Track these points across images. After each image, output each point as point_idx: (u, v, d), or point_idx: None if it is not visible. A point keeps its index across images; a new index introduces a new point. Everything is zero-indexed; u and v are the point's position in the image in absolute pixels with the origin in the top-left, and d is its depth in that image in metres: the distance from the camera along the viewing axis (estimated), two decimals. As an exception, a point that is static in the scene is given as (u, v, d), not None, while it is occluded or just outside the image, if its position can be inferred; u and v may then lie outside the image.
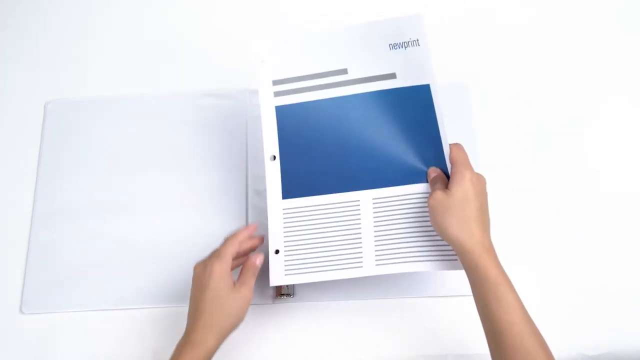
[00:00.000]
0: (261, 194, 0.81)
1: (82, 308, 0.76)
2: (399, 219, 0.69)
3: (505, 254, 0.77)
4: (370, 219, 0.70)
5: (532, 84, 0.88)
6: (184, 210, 0.80)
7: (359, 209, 0.70)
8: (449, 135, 0.67)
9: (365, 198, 0.70)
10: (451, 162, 0.65)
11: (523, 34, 0.91)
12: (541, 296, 0.76)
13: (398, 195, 0.69)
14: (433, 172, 0.68)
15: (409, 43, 0.69)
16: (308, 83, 0.73)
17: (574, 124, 0.85)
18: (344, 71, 0.72)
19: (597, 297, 0.76)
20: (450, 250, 0.66)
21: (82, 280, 0.77)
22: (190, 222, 0.80)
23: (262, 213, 0.80)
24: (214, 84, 0.87)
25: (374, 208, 0.70)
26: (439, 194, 0.63)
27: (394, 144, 0.70)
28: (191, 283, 0.67)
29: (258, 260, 0.69)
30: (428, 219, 0.66)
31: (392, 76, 0.70)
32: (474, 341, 0.74)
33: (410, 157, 0.69)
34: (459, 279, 0.76)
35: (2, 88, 0.89)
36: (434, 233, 0.67)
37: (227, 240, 0.69)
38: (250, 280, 0.67)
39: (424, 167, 0.69)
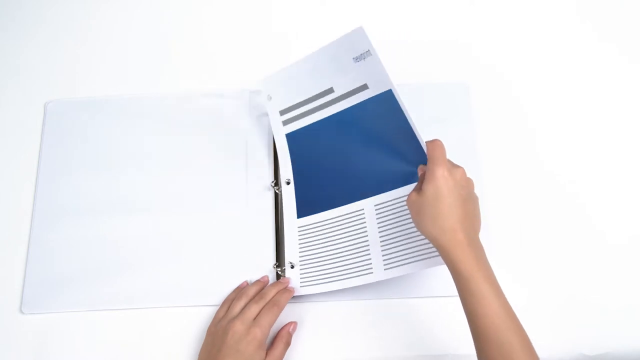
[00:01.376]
0: (261, 194, 0.81)
1: (82, 308, 0.76)
2: (401, 220, 0.72)
3: (505, 253, 0.78)
4: (375, 225, 0.73)
5: (532, 84, 0.88)
6: (184, 210, 0.80)
7: (364, 217, 0.74)
8: (424, 134, 0.68)
9: (369, 206, 0.74)
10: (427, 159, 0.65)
11: (523, 34, 0.91)
12: (541, 296, 0.76)
13: (397, 198, 0.73)
14: (420, 170, 0.69)
15: (364, 54, 0.71)
16: (306, 107, 0.77)
17: (574, 124, 0.85)
18: (330, 90, 0.75)
19: (597, 297, 0.76)
20: None
21: (82, 281, 0.77)
22: (190, 222, 0.80)
23: (263, 213, 0.80)
24: (214, 84, 0.87)
25: (376, 214, 0.74)
26: (413, 195, 0.64)
27: (383, 150, 0.73)
28: (218, 337, 0.69)
29: (292, 328, 0.72)
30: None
31: (365, 87, 0.72)
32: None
33: (400, 160, 0.72)
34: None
35: (2, 88, 0.89)
36: None
37: (271, 309, 0.70)
38: (282, 352, 0.70)
39: (413, 167, 0.70)
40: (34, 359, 0.74)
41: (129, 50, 0.91)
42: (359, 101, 0.73)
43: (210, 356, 0.68)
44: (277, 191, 0.80)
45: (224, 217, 0.80)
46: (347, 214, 0.76)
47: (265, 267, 0.77)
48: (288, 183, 0.80)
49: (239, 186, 0.82)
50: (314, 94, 0.76)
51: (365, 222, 0.74)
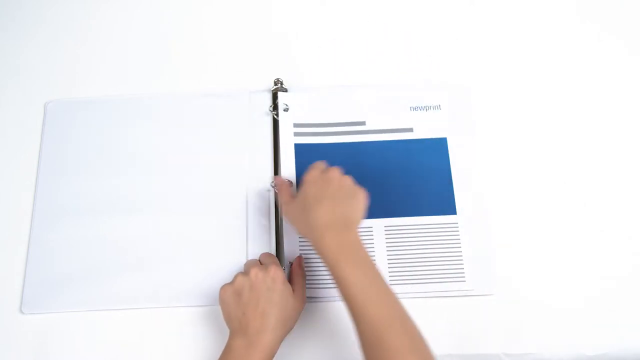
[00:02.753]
0: (261, 194, 0.81)
1: (82, 308, 0.76)
2: (409, 244, 0.77)
3: (505, 253, 0.78)
4: (383, 243, 0.77)
5: (533, 84, 0.87)
6: (184, 210, 0.80)
7: (372, 234, 0.78)
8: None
9: (378, 225, 0.78)
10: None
11: (524, 35, 0.91)
12: (541, 296, 0.76)
13: (408, 225, 0.78)
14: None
15: (431, 107, 0.83)
16: (327, 129, 0.83)
17: (575, 125, 0.85)
18: (362, 123, 0.83)
19: (597, 297, 0.76)
20: (458, 272, 0.76)
21: (82, 280, 0.77)
22: (190, 222, 0.80)
23: (262, 213, 0.80)
24: (214, 84, 0.87)
25: (385, 233, 0.78)
26: (285, 206, 0.72)
27: (407, 183, 0.80)
28: (238, 288, 0.69)
29: (301, 262, 0.76)
30: (435, 245, 0.77)
31: (410, 130, 0.82)
32: (474, 341, 0.74)
33: (423, 196, 0.79)
34: (458, 279, 0.76)
35: (2, 88, 0.89)
36: (441, 257, 0.76)
37: (264, 254, 0.75)
38: (304, 284, 0.73)
39: (432, 204, 0.78)
40: (34, 359, 0.74)
41: (129, 50, 0.91)
42: (395, 139, 0.82)
43: (242, 306, 0.68)
44: (277, 191, 0.80)
45: (224, 217, 0.80)
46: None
47: (265, 267, 0.77)
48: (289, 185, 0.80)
49: (239, 186, 0.82)
50: (340, 121, 0.83)
51: (372, 239, 0.77)
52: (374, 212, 0.77)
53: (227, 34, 0.91)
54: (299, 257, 0.76)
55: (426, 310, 0.76)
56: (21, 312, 0.76)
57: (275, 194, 0.80)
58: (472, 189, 0.80)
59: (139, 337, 0.75)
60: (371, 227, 0.78)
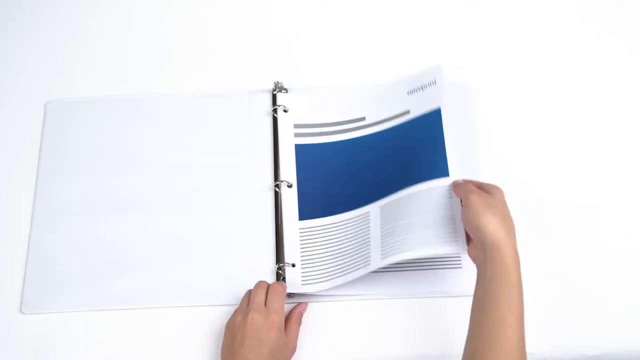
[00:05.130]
0: (261, 194, 0.81)
1: (82, 308, 0.76)
2: (403, 214, 0.73)
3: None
4: (378, 223, 0.75)
5: (533, 84, 0.88)
6: (184, 210, 0.80)
7: (368, 220, 0.76)
8: (455, 148, 0.76)
9: (374, 209, 0.76)
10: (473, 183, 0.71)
11: (524, 34, 0.91)
12: (541, 296, 0.76)
13: (402, 197, 0.75)
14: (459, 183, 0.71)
15: (427, 85, 0.81)
16: (327, 129, 0.83)
17: (575, 125, 0.85)
18: (362, 119, 0.83)
19: (597, 297, 0.76)
20: (450, 235, 0.70)
21: (82, 280, 0.77)
22: (190, 222, 0.80)
23: (263, 213, 0.80)
24: (214, 84, 0.87)
25: (381, 213, 0.75)
26: (479, 193, 0.67)
27: (402, 162, 0.77)
28: (234, 330, 0.68)
29: (303, 309, 0.74)
30: (428, 210, 0.72)
31: (407, 112, 0.80)
32: (474, 341, 0.74)
33: (416, 168, 0.76)
34: (459, 279, 0.76)
35: (2, 88, 0.89)
36: (434, 222, 0.71)
37: (277, 292, 0.71)
38: (297, 332, 0.71)
39: (427, 172, 0.74)
40: (34, 359, 0.74)
41: (129, 50, 0.91)
42: (392, 125, 0.80)
43: (232, 350, 0.67)
44: (277, 190, 0.80)
45: (224, 216, 0.80)
46: (352, 218, 0.77)
47: (265, 267, 0.77)
48: (290, 186, 0.80)
49: (239, 186, 0.81)
50: (340, 120, 0.83)
51: (369, 224, 0.76)
52: (370, 198, 0.77)
53: (227, 34, 0.91)
54: (302, 304, 0.74)
55: (425, 310, 0.76)
56: (21, 312, 0.76)
57: (276, 193, 0.80)
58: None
59: (139, 337, 0.75)
60: (368, 213, 0.77)
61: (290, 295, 0.75)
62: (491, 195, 0.67)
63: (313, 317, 0.75)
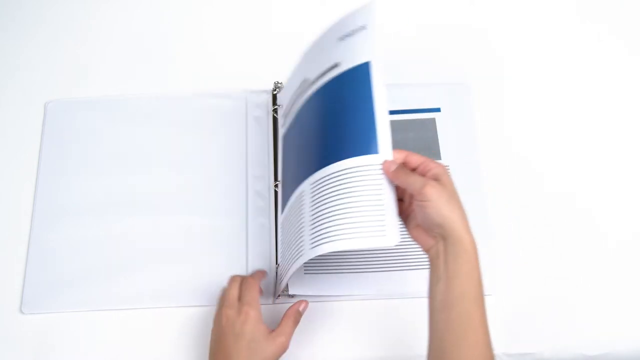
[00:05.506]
0: (261, 194, 0.81)
1: (82, 308, 0.76)
2: (332, 197, 0.64)
3: (505, 253, 0.78)
4: (309, 206, 0.66)
5: (533, 83, 0.88)
6: (184, 210, 0.80)
7: (302, 201, 0.68)
8: (384, 110, 0.64)
9: (306, 187, 0.68)
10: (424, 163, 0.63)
11: (524, 34, 0.91)
12: (541, 296, 0.76)
13: (330, 174, 0.65)
14: (416, 161, 0.64)
15: (356, 30, 0.67)
16: (291, 106, 0.77)
17: (575, 124, 0.85)
18: (306, 80, 0.73)
19: (597, 297, 0.76)
20: (378, 226, 0.62)
21: (82, 280, 0.77)
22: (190, 222, 0.80)
23: (263, 213, 0.80)
24: (214, 84, 0.87)
25: (311, 193, 0.66)
26: (436, 184, 0.60)
27: (332, 129, 0.67)
28: (216, 329, 0.68)
29: (302, 307, 0.70)
30: (354, 194, 0.63)
31: (336, 66, 0.68)
32: (474, 341, 0.74)
33: (344, 138, 0.65)
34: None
35: (2, 88, 0.89)
36: (360, 209, 0.62)
37: (248, 285, 0.68)
38: (291, 329, 0.68)
39: (354, 145, 0.64)
40: (34, 359, 0.74)
41: (129, 50, 0.91)
42: (323, 83, 0.69)
43: (215, 349, 0.67)
44: (277, 190, 0.80)
45: (224, 217, 0.80)
46: (294, 201, 0.70)
47: (265, 267, 0.77)
48: (276, 186, 0.80)
49: (239, 186, 0.81)
50: (295, 89, 0.75)
51: (303, 205, 0.67)
52: (303, 174, 0.68)
53: (227, 34, 0.91)
54: (301, 302, 0.70)
55: (425, 310, 0.76)
56: (21, 312, 0.76)
57: (276, 193, 0.80)
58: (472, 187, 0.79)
59: (139, 337, 0.75)
60: (303, 192, 0.68)
61: (291, 295, 0.75)
62: (443, 183, 0.61)
63: (311, 318, 0.75)
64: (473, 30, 0.91)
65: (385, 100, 0.64)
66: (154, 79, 0.88)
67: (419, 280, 0.76)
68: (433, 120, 0.84)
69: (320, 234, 0.63)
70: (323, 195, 0.65)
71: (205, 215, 0.80)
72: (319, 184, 0.66)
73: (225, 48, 0.90)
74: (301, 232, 0.66)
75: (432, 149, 0.82)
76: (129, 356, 0.74)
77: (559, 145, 0.84)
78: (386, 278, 0.76)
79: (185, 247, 0.79)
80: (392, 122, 0.82)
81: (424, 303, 0.75)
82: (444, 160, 0.82)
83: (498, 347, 0.74)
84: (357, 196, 0.62)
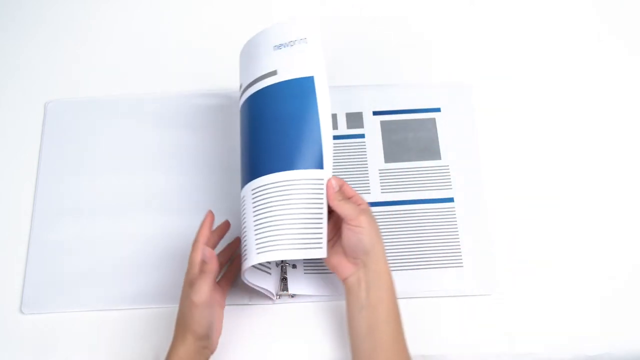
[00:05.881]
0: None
1: (82, 308, 0.76)
2: (275, 206, 0.67)
3: (505, 253, 0.78)
4: (251, 210, 0.68)
5: (534, 83, 0.88)
6: (184, 209, 0.80)
7: (245, 204, 0.70)
8: (329, 127, 0.67)
9: (247, 192, 0.69)
10: (350, 196, 0.68)
11: (524, 34, 0.91)
12: (541, 296, 0.76)
13: (273, 183, 0.67)
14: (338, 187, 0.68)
15: (295, 42, 0.70)
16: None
17: (576, 125, 0.85)
18: (240, 85, 0.75)
19: (598, 297, 0.76)
20: (316, 237, 0.66)
21: (82, 280, 0.77)
22: (191, 222, 0.79)
23: (262, 213, 0.80)
24: (214, 84, 0.87)
25: (253, 199, 0.68)
26: (368, 214, 0.67)
27: (274, 135, 0.69)
28: None
29: (206, 255, 0.67)
30: (299, 206, 0.66)
31: (273, 73, 0.70)
32: (474, 341, 0.74)
33: (287, 148, 0.68)
34: (459, 278, 0.76)
35: (2, 88, 0.89)
36: (305, 220, 0.66)
37: (192, 247, 0.69)
38: (209, 279, 0.66)
39: (299, 158, 0.67)
40: (34, 359, 0.74)
41: (129, 50, 0.91)
42: (259, 88, 0.70)
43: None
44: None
45: (224, 217, 0.80)
46: (241, 204, 0.71)
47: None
48: None
49: (238, 185, 0.81)
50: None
51: (245, 208, 0.69)
52: (244, 178, 0.70)
53: (227, 33, 0.91)
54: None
55: (425, 310, 0.76)
56: (21, 312, 0.76)
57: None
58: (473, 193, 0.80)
59: (139, 337, 0.75)
60: (244, 197, 0.70)
61: (291, 295, 0.75)
62: (372, 217, 0.67)
63: (311, 318, 0.75)
64: (473, 30, 0.91)
65: (329, 116, 0.67)
66: (154, 79, 0.88)
67: (418, 280, 0.76)
68: (433, 120, 0.84)
69: (266, 242, 0.66)
70: (266, 203, 0.67)
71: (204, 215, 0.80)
72: (260, 191, 0.68)
73: (225, 48, 0.90)
74: (246, 234, 0.68)
75: (432, 149, 0.82)
76: (129, 356, 0.74)
77: (559, 145, 0.84)
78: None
79: (185, 246, 0.78)
80: (393, 122, 0.84)
81: (424, 303, 0.76)
82: (444, 160, 0.82)
83: (498, 347, 0.74)
84: (302, 208, 0.66)
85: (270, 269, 0.74)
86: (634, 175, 0.82)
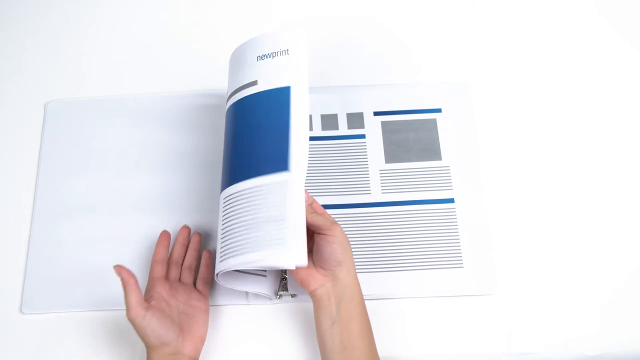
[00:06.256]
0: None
1: (82, 308, 0.76)
2: (238, 214, 0.67)
3: (505, 253, 0.78)
4: (220, 219, 0.69)
5: (534, 83, 0.88)
6: (184, 209, 0.80)
7: (218, 212, 0.70)
8: (303, 137, 0.67)
9: (221, 200, 0.70)
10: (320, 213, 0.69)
11: (525, 34, 0.91)
12: (541, 296, 0.76)
13: (238, 192, 0.68)
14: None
15: (278, 53, 0.71)
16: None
17: (576, 124, 0.85)
18: (226, 94, 0.75)
19: (597, 297, 0.76)
20: (278, 240, 0.64)
21: (82, 280, 0.77)
22: (191, 221, 0.80)
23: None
24: (214, 84, 0.87)
25: (224, 206, 0.69)
26: (339, 226, 0.68)
27: (248, 144, 0.70)
28: None
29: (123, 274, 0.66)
30: (260, 211, 0.65)
31: (254, 83, 0.71)
32: (474, 341, 0.74)
33: (258, 155, 0.68)
34: (458, 279, 0.76)
35: (2, 88, 0.89)
36: (266, 226, 0.65)
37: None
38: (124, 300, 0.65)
39: (267, 163, 0.67)
40: (34, 359, 0.74)
41: (129, 50, 0.91)
42: (240, 98, 0.71)
43: None
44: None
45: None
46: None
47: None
48: None
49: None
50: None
51: (218, 217, 0.70)
52: (222, 187, 0.70)
53: (227, 33, 0.91)
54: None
55: (425, 310, 0.76)
56: (21, 312, 0.76)
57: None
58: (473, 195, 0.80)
59: (139, 337, 0.75)
60: (219, 205, 0.70)
61: (292, 295, 0.75)
62: (342, 230, 0.68)
63: (311, 318, 0.75)
64: (474, 30, 0.91)
65: (305, 124, 0.67)
66: (154, 79, 0.88)
67: (418, 280, 0.76)
68: (434, 120, 0.84)
69: (227, 250, 0.66)
70: (231, 211, 0.67)
71: (205, 215, 0.80)
72: (229, 199, 0.68)
73: (226, 48, 0.90)
74: (218, 241, 0.69)
75: (432, 150, 0.82)
76: (129, 356, 0.74)
77: (559, 144, 0.84)
78: (385, 278, 0.76)
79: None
80: (393, 123, 0.84)
81: (424, 303, 0.76)
82: (444, 161, 0.82)
83: (498, 347, 0.74)
84: (262, 212, 0.65)
85: (265, 270, 0.74)
86: (634, 176, 0.83)
